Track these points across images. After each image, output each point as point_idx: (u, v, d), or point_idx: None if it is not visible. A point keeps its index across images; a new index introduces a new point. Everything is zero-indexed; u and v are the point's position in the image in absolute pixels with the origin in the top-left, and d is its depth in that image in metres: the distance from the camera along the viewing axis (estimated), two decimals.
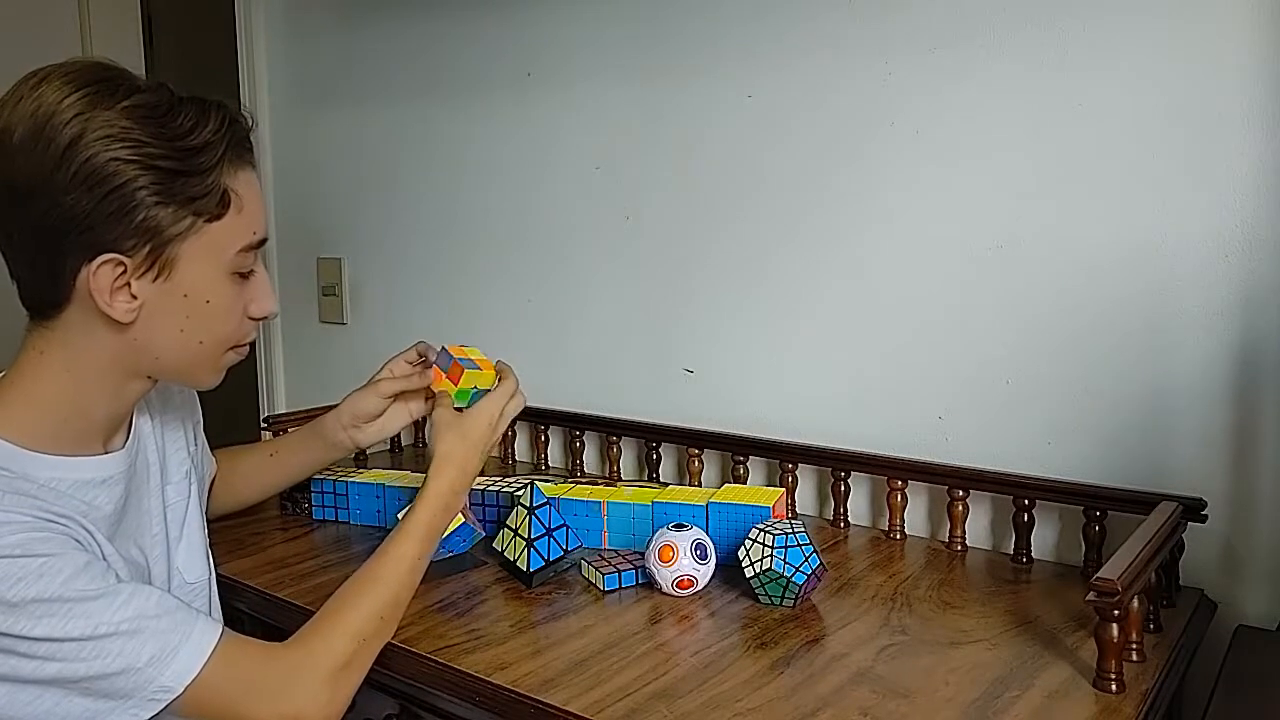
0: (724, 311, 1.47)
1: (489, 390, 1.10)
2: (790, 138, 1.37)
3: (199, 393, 1.07)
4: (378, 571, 0.95)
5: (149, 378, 0.91)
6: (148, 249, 0.81)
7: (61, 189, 0.78)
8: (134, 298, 0.83)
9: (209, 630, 0.82)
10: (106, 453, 0.92)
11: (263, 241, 0.90)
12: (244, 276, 0.89)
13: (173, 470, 1.04)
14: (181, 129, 0.82)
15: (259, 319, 0.93)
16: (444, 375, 1.10)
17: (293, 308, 2.12)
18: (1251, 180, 1.06)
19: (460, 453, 1.04)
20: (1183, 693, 1.01)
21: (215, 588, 1.07)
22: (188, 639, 0.80)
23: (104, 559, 0.84)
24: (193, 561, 1.03)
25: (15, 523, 0.77)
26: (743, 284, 1.44)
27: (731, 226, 1.44)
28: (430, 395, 1.19)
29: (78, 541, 0.81)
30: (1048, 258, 1.19)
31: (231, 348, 0.92)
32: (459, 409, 1.08)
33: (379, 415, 1.22)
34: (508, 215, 1.71)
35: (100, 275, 0.81)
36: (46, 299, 0.84)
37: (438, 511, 1.01)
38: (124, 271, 0.81)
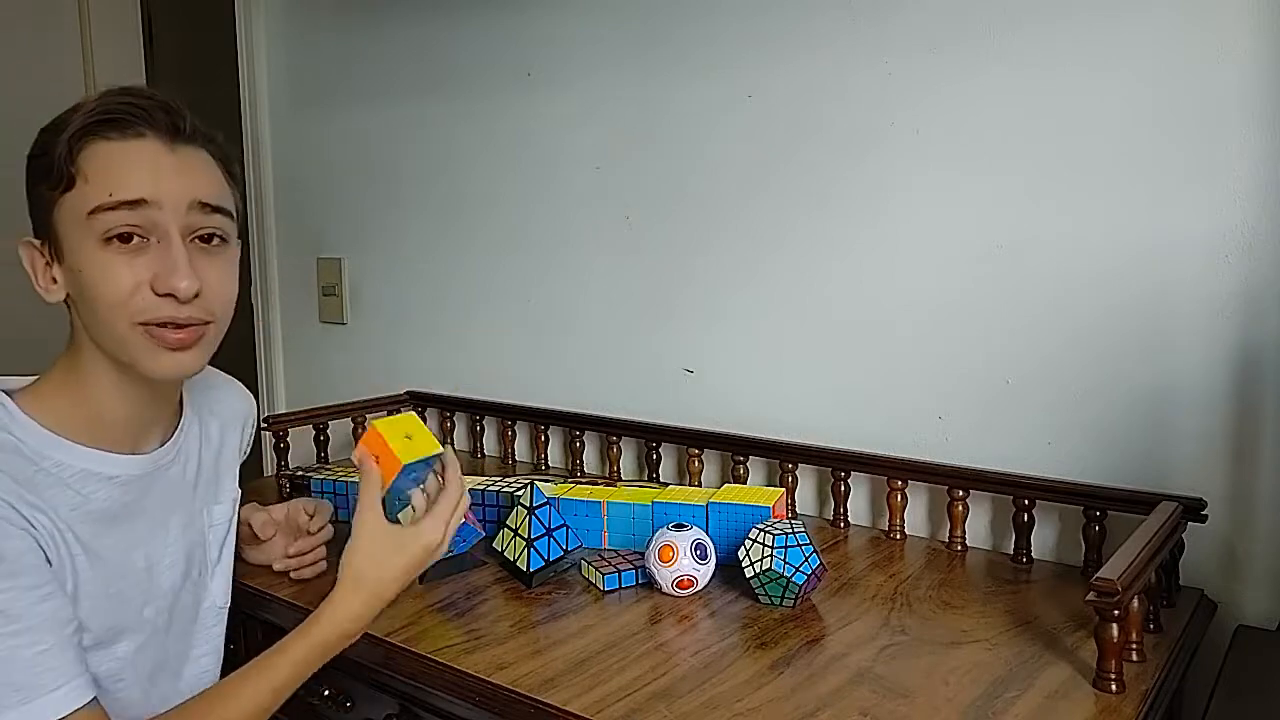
0: (724, 311, 1.47)
1: (427, 461, 0.95)
2: (790, 138, 1.37)
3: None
4: (239, 691, 0.88)
5: (123, 361, 0.89)
6: (44, 231, 0.88)
7: None
8: (55, 280, 0.88)
9: (51, 709, 0.79)
10: (133, 454, 0.93)
11: (129, 203, 0.84)
12: (122, 241, 0.85)
13: (222, 491, 1.05)
14: (57, 119, 0.87)
15: (164, 295, 0.85)
16: (374, 458, 0.94)
17: (293, 308, 2.12)
18: (1251, 180, 1.06)
19: (372, 579, 0.92)
20: (1183, 693, 1.01)
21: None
22: (20, 706, 0.78)
23: (67, 554, 0.85)
24: (224, 587, 1.05)
25: None
26: (743, 284, 1.44)
27: (731, 226, 1.44)
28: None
29: (37, 545, 0.82)
30: (1048, 257, 1.19)
31: (141, 324, 0.86)
32: (394, 519, 0.97)
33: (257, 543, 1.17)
34: (507, 215, 1.71)
35: (23, 255, 0.90)
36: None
37: (330, 641, 0.91)
38: (41, 255, 0.89)
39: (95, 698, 0.83)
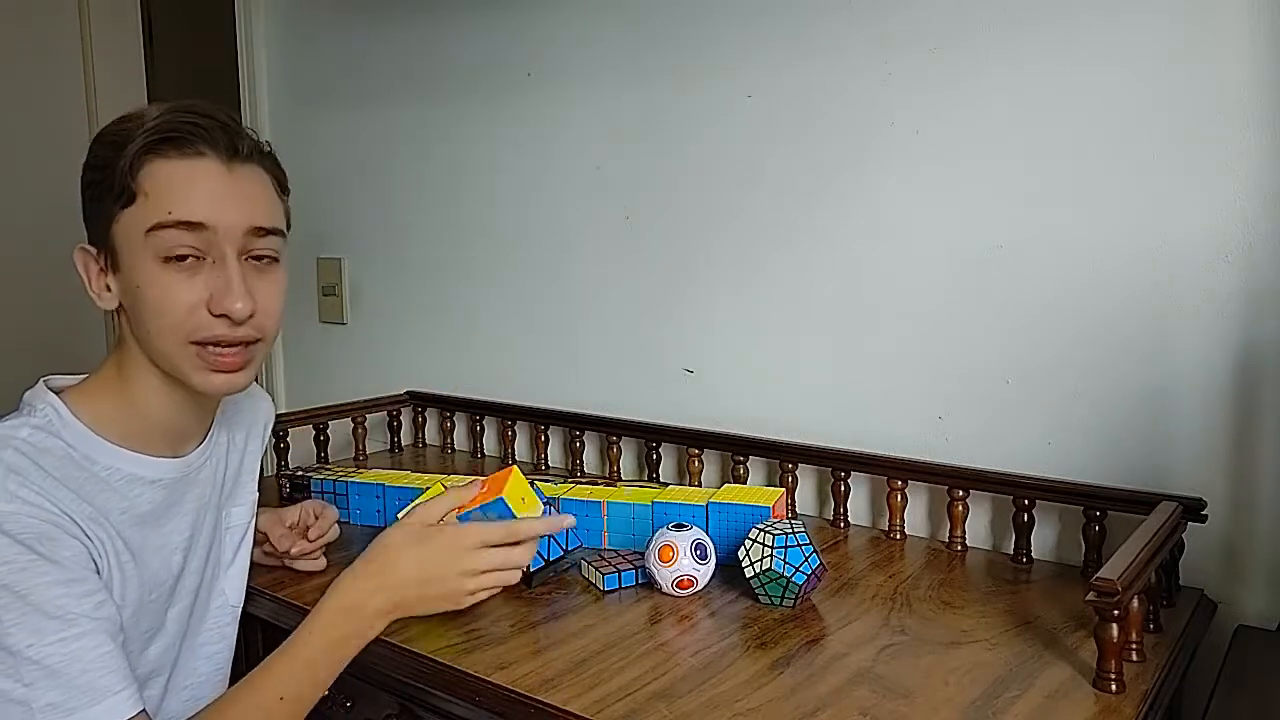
0: (724, 311, 1.47)
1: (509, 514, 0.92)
2: (790, 137, 1.37)
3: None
4: (263, 680, 0.87)
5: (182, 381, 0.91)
6: (102, 242, 0.89)
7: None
8: (109, 288, 0.90)
9: (115, 712, 0.80)
10: (172, 458, 0.95)
11: (188, 224, 0.86)
12: (179, 260, 0.86)
13: (241, 493, 1.06)
14: (114, 130, 0.88)
15: (219, 315, 0.88)
16: (485, 486, 0.95)
17: (293, 308, 2.10)
18: (1251, 180, 1.06)
19: (383, 558, 0.88)
20: (1183, 693, 1.01)
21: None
22: (89, 707, 0.79)
23: (116, 562, 0.86)
24: (239, 586, 1.06)
25: (41, 513, 0.80)
26: (743, 283, 1.44)
27: (732, 226, 1.44)
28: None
29: (90, 556, 0.83)
30: (1048, 257, 1.19)
31: (195, 342, 0.87)
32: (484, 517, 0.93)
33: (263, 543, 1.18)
34: (508, 215, 1.71)
35: (77, 261, 0.91)
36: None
37: (335, 618, 0.87)
38: (95, 263, 0.90)
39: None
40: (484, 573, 0.89)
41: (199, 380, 0.89)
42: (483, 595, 0.91)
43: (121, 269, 0.88)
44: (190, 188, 0.87)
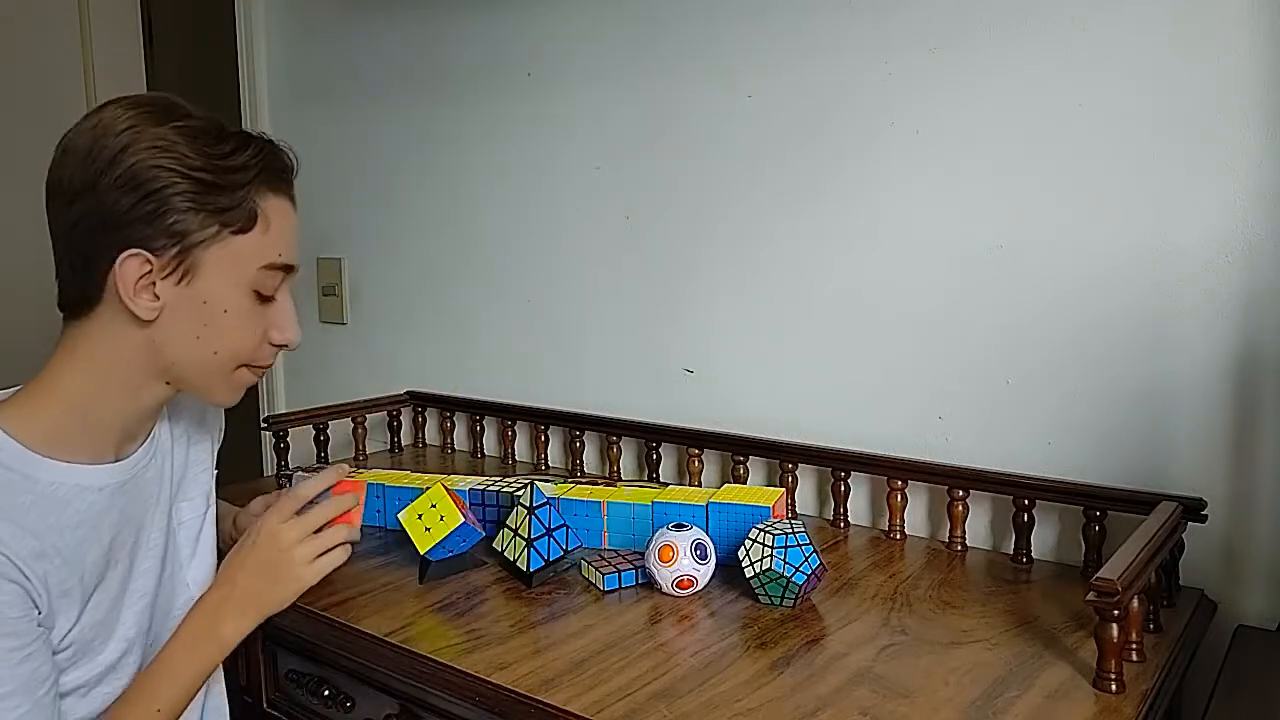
0: (724, 311, 1.47)
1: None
2: (790, 137, 1.37)
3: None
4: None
5: (166, 383, 0.91)
6: (175, 250, 0.84)
7: (106, 189, 0.83)
8: (156, 297, 0.85)
9: None
10: (116, 461, 0.92)
11: (288, 268, 0.91)
12: (265, 298, 0.90)
13: (190, 487, 1.04)
14: (223, 150, 0.86)
15: (279, 345, 0.93)
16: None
17: None
18: (1251, 180, 1.06)
19: (230, 571, 0.97)
20: (1183, 693, 1.01)
21: None
22: None
23: (61, 591, 0.84)
24: (204, 579, 1.03)
25: None
26: (743, 283, 1.44)
27: (732, 226, 1.44)
28: None
29: (28, 596, 0.80)
30: (1048, 258, 1.19)
31: (246, 365, 0.91)
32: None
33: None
34: (507, 215, 1.71)
35: (126, 268, 0.84)
36: (82, 296, 0.87)
37: (196, 627, 0.96)
38: (150, 270, 0.84)
39: None
40: (318, 555, 0.98)
41: (227, 396, 0.94)
42: (327, 568, 0.99)
43: (194, 285, 0.86)
44: (289, 230, 0.91)
